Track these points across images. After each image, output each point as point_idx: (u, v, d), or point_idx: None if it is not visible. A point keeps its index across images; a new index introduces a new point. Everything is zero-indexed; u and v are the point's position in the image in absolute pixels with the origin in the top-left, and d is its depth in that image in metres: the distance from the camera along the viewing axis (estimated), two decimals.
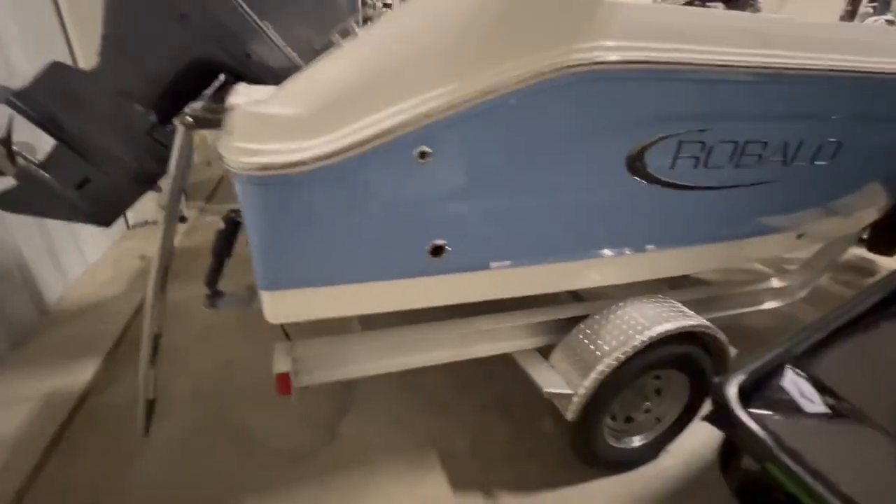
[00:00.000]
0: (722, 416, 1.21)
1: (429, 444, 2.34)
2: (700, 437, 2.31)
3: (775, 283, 2.75)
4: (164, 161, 2.27)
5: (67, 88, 2.07)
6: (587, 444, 2.03)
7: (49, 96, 2.07)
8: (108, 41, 2.02)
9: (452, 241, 1.53)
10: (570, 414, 1.86)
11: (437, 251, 1.53)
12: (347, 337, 1.91)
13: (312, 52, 2.12)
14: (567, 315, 2.13)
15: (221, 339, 3.15)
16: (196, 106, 1.47)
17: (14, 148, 2.10)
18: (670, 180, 1.71)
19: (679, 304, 2.04)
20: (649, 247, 1.91)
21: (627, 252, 1.88)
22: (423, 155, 1.31)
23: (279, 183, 1.23)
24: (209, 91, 2.29)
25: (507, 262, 1.66)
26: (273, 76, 2.05)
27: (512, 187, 1.50)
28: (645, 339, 1.81)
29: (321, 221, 1.36)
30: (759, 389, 1.22)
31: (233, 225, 1.61)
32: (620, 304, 2.00)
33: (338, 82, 1.23)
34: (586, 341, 1.92)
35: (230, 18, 1.91)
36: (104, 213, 2.34)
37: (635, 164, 1.61)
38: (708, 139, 1.66)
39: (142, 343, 1.81)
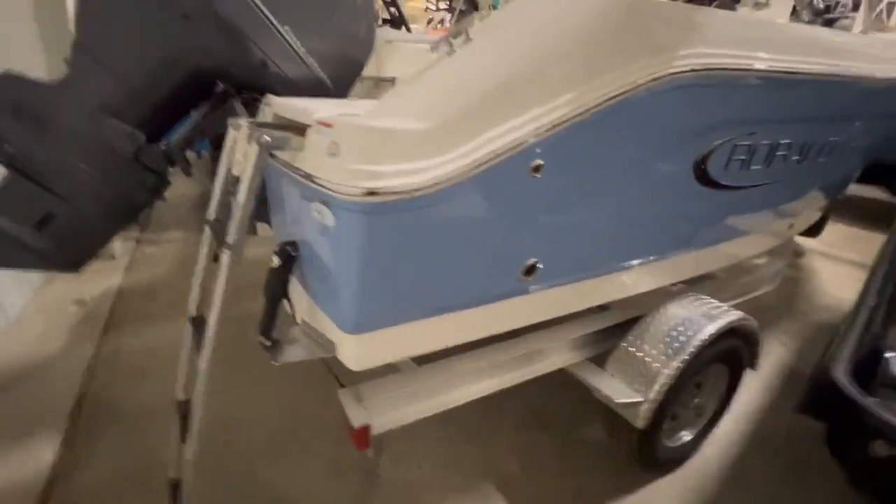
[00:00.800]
0: (838, 405, 1.25)
1: (478, 473, 2.20)
2: (727, 424, 2.43)
3: (756, 273, 3.00)
4: (150, 188, 1.93)
5: (24, 104, 1.67)
6: (651, 449, 2.03)
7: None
8: (83, 47, 1.66)
9: (544, 258, 1.44)
10: (642, 421, 1.84)
11: (530, 270, 1.43)
12: (409, 374, 1.72)
13: (327, 62, 1.93)
14: (613, 322, 2.12)
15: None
16: (249, 121, 1.22)
17: None
18: (722, 182, 1.78)
19: (714, 301, 2.12)
20: (694, 246, 1.98)
21: (677, 253, 1.92)
22: (536, 168, 1.21)
23: (396, 208, 1.06)
24: (204, 105, 1.98)
25: (587, 274, 1.61)
26: (290, 87, 1.83)
27: (604, 197, 1.45)
28: (706, 336, 1.85)
29: (427, 248, 1.20)
30: (864, 375, 1.29)
31: (289, 260, 1.37)
32: (666, 305, 2.03)
33: (461, 93, 1.10)
34: (646, 346, 1.92)
35: (246, 21, 1.66)
36: (71, 255, 1.92)
37: (699, 168, 1.65)
38: (754, 141, 1.75)
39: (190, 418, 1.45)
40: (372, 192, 1.01)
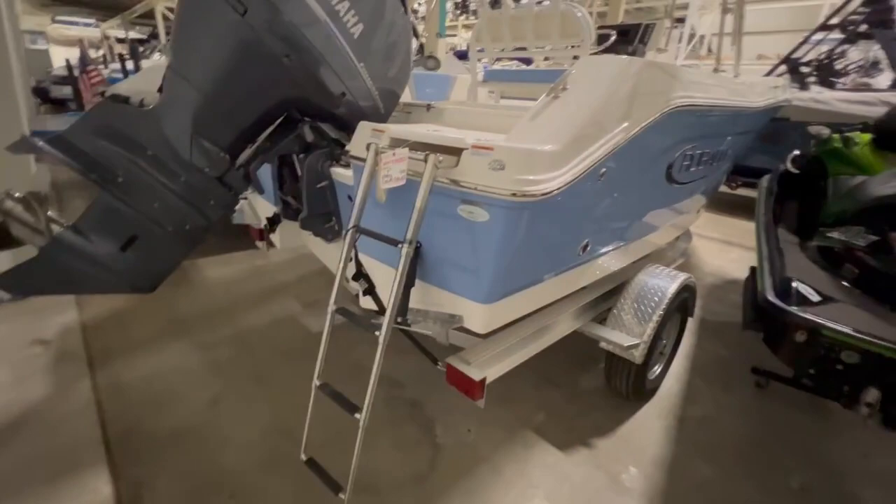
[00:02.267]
0: (773, 317, 2.01)
1: (515, 427, 2.67)
2: (676, 361, 3.25)
3: (673, 250, 3.98)
4: (226, 206, 2.08)
5: (122, 128, 1.74)
6: (642, 381, 2.71)
7: (97, 139, 1.71)
8: (177, 71, 1.79)
9: (592, 238, 2.00)
10: (640, 358, 2.50)
11: (585, 247, 1.98)
12: (487, 344, 2.14)
13: (380, 93, 2.27)
14: (602, 292, 2.78)
15: (236, 403, 2.77)
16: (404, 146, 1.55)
17: (50, 213, 1.67)
18: (677, 180, 2.53)
19: (667, 268, 2.90)
20: (661, 225, 2.73)
21: (652, 231, 2.66)
22: (602, 175, 1.76)
23: (534, 206, 1.51)
24: (267, 130, 2.17)
25: (610, 249, 2.23)
26: (357, 115, 2.15)
27: (627, 192, 2.07)
28: (673, 292, 2.58)
29: (538, 234, 1.66)
30: (782, 296, 2.08)
31: (417, 255, 1.70)
32: (640, 274, 2.73)
33: (569, 127, 1.59)
34: (636, 304, 2.59)
35: (337, 60, 1.94)
36: (149, 277, 1.97)
37: (668, 171, 2.37)
38: (693, 152, 2.54)
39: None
40: (528, 195, 1.44)
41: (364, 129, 1.88)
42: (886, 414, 1.86)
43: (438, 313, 1.80)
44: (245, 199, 3.27)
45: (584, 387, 3.04)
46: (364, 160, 1.76)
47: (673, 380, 3.14)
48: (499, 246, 1.56)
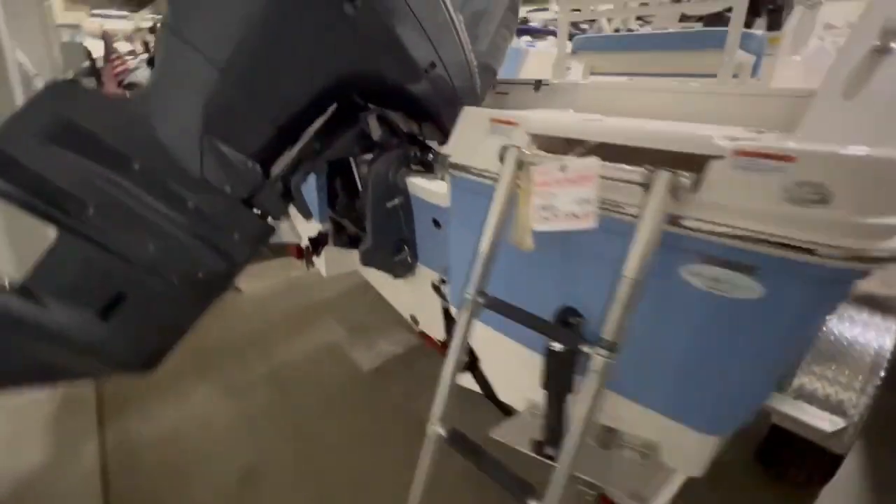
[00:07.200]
0: None
1: None
2: None
3: None
4: (255, 241, 1.39)
5: (87, 128, 1.07)
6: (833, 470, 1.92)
7: (47, 145, 1.04)
8: (184, 43, 1.09)
9: None
10: (847, 447, 1.71)
11: None
12: None
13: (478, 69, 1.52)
14: None
15: (274, 478, 2.16)
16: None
17: None
18: None
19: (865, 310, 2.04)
20: None
21: None
22: None
23: (851, 276, 0.74)
24: (315, 124, 1.46)
25: None
26: (446, 99, 1.41)
27: None
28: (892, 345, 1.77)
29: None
30: None
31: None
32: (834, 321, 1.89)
33: None
34: (833, 364, 1.78)
35: (424, 8, 1.20)
36: (144, 351, 1.31)
37: None
38: None
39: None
40: (862, 258, 0.68)
41: (473, 120, 1.14)
42: None
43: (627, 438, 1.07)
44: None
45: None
46: (488, 175, 1.03)
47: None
48: (771, 343, 0.81)
